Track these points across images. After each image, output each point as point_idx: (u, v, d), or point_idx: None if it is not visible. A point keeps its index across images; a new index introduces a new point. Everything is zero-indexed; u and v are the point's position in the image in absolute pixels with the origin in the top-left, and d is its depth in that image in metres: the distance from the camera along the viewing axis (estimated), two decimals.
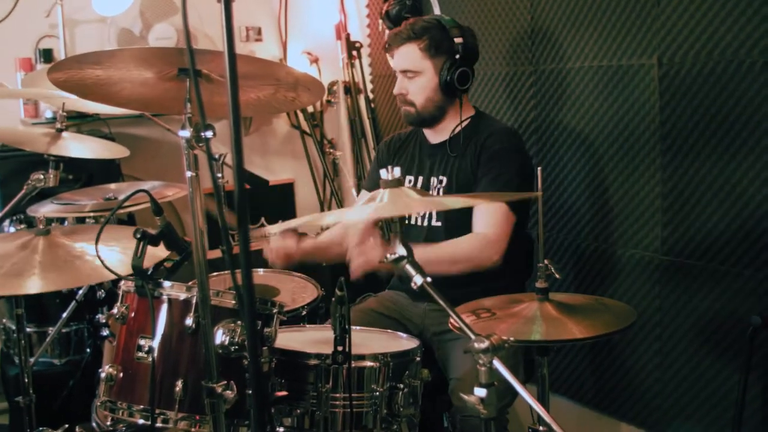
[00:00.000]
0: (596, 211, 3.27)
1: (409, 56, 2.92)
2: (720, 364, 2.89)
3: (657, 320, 3.06)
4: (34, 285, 2.10)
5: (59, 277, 2.16)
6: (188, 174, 1.83)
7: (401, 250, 1.88)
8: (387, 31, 4.22)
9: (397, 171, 1.96)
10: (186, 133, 1.81)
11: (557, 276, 2.19)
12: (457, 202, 2.02)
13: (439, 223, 2.93)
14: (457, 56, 2.89)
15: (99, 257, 2.03)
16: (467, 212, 2.69)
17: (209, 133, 1.72)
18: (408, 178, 3.04)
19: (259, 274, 3.17)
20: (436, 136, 3.04)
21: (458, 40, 2.90)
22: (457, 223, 2.87)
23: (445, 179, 2.95)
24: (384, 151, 3.21)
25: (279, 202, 4.76)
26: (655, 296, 3.07)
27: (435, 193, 2.94)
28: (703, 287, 2.90)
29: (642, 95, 3.01)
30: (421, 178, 3.01)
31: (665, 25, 2.88)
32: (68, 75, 1.96)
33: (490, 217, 2.79)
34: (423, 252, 2.66)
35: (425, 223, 2.95)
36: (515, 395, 2.59)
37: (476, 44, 3.00)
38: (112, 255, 2.22)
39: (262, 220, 4.24)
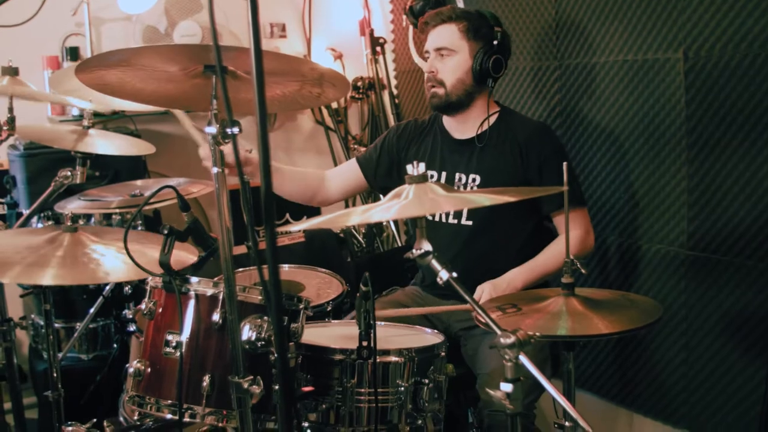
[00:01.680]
0: (622, 205, 3.26)
1: (446, 34, 2.90)
2: (747, 360, 2.87)
3: (683, 315, 3.05)
4: (48, 277, 2.12)
5: (72, 272, 2.17)
6: (214, 170, 1.84)
7: (426, 246, 1.88)
8: (411, 28, 4.23)
9: (422, 167, 1.96)
10: (212, 130, 1.82)
11: (583, 271, 2.18)
12: (485, 199, 2.01)
13: (469, 222, 2.91)
14: (495, 42, 2.88)
15: (128, 253, 2.04)
16: (497, 211, 2.69)
17: (236, 130, 1.73)
18: (430, 173, 3.00)
19: (285, 270, 3.18)
20: (460, 131, 3.00)
21: (497, 29, 2.91)
22: (488, 221, 2.87)
23: (478, 177, 2.91)
24: (394, 136, 3.15)
25: None
26: (681, 291, 3.05)
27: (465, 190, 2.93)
28: (729, 282, 2.88)
29: (668, 89, 2.99)
30: (444, 174, 2.98)
31: (691, 18, 2.86)
32: (94, 74, 1.98)
33: (579, 214, 2.88)
34: (532, 268, 2.82)
35: (455, 221, 2.94)
36: (542, 390, 2.59)
37: (510, 42, 2.99)
38: (116, 259, 2.24)
39: (287, 216, 4.25)
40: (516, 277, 2.78)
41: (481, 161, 2.92)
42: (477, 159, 2.93)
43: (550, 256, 2.84)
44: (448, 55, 2.90)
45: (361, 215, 2.09)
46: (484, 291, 2.71)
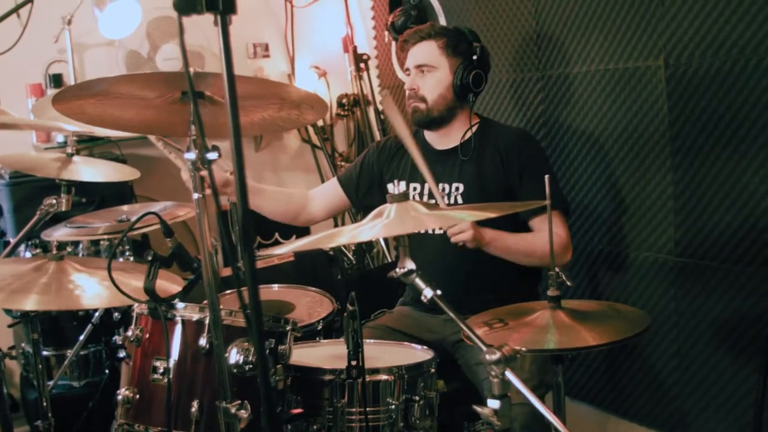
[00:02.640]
0: (608, 214, 3.26)
1: (426, 51, 2.93)
2: (738, 365, 2.87)
3: (673, 322, 3.05)
4: (31, 302, 2.14)
5: (56, 299, 2.20)
6: (195, 196, 1.84)
7: (410, 264, 1.88)
8: (394, 42, 4.24)
9: (402, 185, 1.96)
10: (191, 156, 1.82)
11: (569, 284, 2.18)
12: (467, 215, 2.01)
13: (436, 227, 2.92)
14: (474, 58, 2.91)
15: (112, 279, 2.03)
16: (482, 221, 2.69)
17: (213, 155, 1.73)
18: (412, 185, 3.00)
19: (274, 290, 3.18)
20: (442, 142, 3.02)
21: (476, 44, 2.93)
22: None
23: (461, 186, 2.93)
24: (374, 153, 3.16)
25: None
26: (671, 298, 3.05)
27: (451, 201, 2.93)
28: (718, 288, 2.89)
29: (650, 97, 3.00)
30: (427, 186, 2.98)
31: (670, 25, 2.87)
32: (72, 104, 1.98)
33: (556, 219, 2.83)
34: (504, 237, 2.76)
35: (441, 232, 2.94)
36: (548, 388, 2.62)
37: (489, 57, 3.01)
38: (101, 286, 2.24)
39: (276, 236, 4.25)
40: (486, 230, 2.76)
41: (464, 170, 2.94)
42: (459, 168, 2.95)
43: (524, 239, 2.83)
44: (428, 71, 2.93)
45: (348, 235, 2.09)
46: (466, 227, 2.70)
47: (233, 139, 1.31)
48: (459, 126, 2.99)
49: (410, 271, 1.88)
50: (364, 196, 3.12)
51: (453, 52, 2.92)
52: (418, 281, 1.87)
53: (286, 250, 2.86)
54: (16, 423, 3.01)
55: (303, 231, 4.04)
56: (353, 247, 4.54)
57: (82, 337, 3.21)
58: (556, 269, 2.15)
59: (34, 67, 4.00)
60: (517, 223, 2.90)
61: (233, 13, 1.33)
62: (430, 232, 2.95)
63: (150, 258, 2.04)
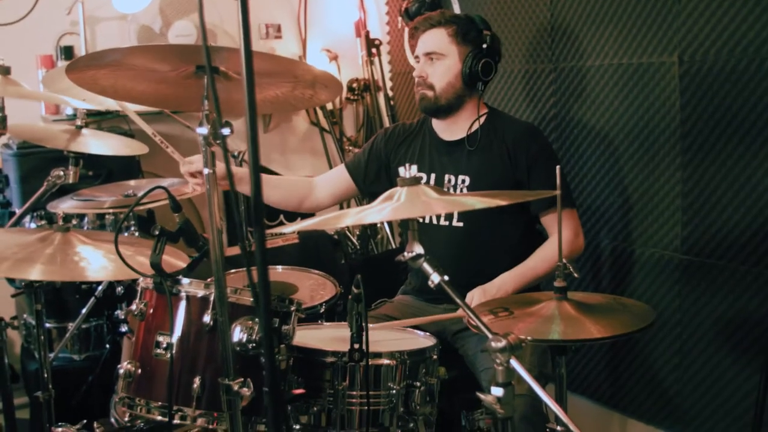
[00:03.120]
0: (616, 209, 3.26)
1: (436, 39, 2.91)
2: (740, 365, 2.87)
3: (677, 320, 3.05)
4: (36, 272, 2.14)
5: (61, 269, 2.19)
6: (206, 171, 1.83)
7: (418, 249, 1.88)
8: (407, 29, 4.22)
9: (414, 169, 1.95)
10: (204, 131, 1.81)
11: (576, 275, 2.17)
12: (477, 202, 2.00)
13: (460, 224, 2.90)
14: (484, 46, 2.89)
15: (118, 252, 2.03)
16: (489, 212, 2.69)
17: (226, 131, 1.73)
18: (420, 175, 2.99)
19: (278, 272, 3.17)
20: (449, 132, 3.00)
21: (486, 32, 2.91)
22: (479, 223, 2.86)
23: (468, 178, 2.91)
24: (382, 140, 3.14)
25: None
26: (675, 295, 3.05)
27: (456, 192, 2.92)
28: (723, 287, 2.88)
29: (663, 93, 2.99)
30: (433, 176, 2.96)
31: (686, 22, 2.86)
32: (85, 74, 1.97)
33: (568, 215, 2.85)
34: (525, 275, 2.80)
35: (446, 223, 2.93)
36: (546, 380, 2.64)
37: (500, 46, 2.99)
38: (106, 259, 2.24)
39: (281, 217, 4.24)
40: (506, 281, 2.77)
41: (470, 162, 2.92)
42: (466, 160, 2.93)
43: (540, 259, 2.83)
44: (437, 59, 2.91)
45: (355, 217, 2.09)
46: (474, 296, 2.70)
47: (248, 116, 1.30)
48: (466, 116, 2.97)
49: (418, 256, 1.87)
50: (372, 183, 3.11)
51: (463, 40, 2.90)
52: (426, 266, 1.86)
53: (295, 229, 2.86)
54: (15, 394, 3.01)
55: (308, 214, 4.03)
56: (357, 232, 4.54)
57: (84, 310, 3.20)
58: (564, 260, 2.14)
59: (45, 39, 4.00)
60: (528, 219, 2.90)
61: None
62: (435, 222, 2.95)
63: (157, 232, 2.03)
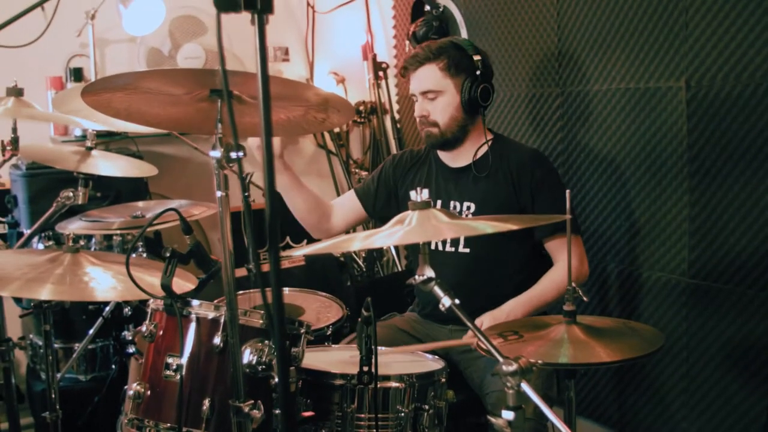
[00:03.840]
0: (623, 233, 3.26)
1: (429, 77, 2.89)
2: (748, 389, 2.86)
3: (684, 343, 3.04)
4: (46, 292, 2.14)
5: (70, 289, 2.19)
6: (218, 194, 1.84)
7: (429, 272, 1.88)
8: None
9: (425, 193, 1.95)
10: (217, 154, 1.82)
11: (585, 299, 2.17)
12: (487, 226, 2.00)
13: (467, 250, 2.90)
14: (478, 72, 2.87)
15: (129, 274, 2.04)
16: (495, 237, 2.69)
17: (240, 154, 1.74)
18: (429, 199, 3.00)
19: (285, 293, 3.17)
20: (455, 160, 3.00)
21: (476, 57, 2.89)
22: (485, 249, 2.87)
23: (473, 205, 2.91)
24: (390, 167, 3.15)
25: None
26: (682, 319, 3.05)
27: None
28: (731, 311, 2.88)
29: (670, 118, 3.00)
30: (439, 202, 2.97)
31: (693, 47, 2.87)
32: (100, 96, 1.98)
33: (575, 242, 2.83)
34: (532, 301, 2.80)
35: (452, 249, 2.94)
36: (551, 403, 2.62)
37: (491, 63, 2.98)
38: (115, 280, 2.25)
39: (287, 239, 4.25)
40: (515, 307, 2.78)
41: (475, 189, 2.92)
42: (472, 186, 2.93)
43: (547, 285, 2.83)
44: (435, 96, 2.89)
45: (363, 241, 2.09)
46: (484, 322, 2.70)
47: (264, 138, 1.31)
48: (471, 142, 2.96)
49: (429, 279, 1.87)
50: (381, 209, 3.12)
51: (456, 72, 2.88)
52: (437, 289, 1.87)
53: (305, 252, 2.85)
54: (20, 414, 3.00)
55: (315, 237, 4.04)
56: (363, 254, 4.55)
57: (91, 331, 3.20)
58: (573, 284, 2.14)
59: (55, 60, 4.03)
60: (534, 245, 2.90)
61: (270, 13, 1.33)
62: (441, 248, 2.95)
63: (168, 254, 2.04)
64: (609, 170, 3.28)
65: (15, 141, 2.84)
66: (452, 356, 2.92)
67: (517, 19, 3.64)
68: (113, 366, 3.51)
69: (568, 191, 2.19)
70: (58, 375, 2.93)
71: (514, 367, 1.70)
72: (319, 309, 3.08)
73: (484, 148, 2.95)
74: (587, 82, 3.32)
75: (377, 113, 4.79)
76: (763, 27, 2.65)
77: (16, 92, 2.81)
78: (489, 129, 3.00)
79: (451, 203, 2.95)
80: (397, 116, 4.74)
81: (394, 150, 4.72)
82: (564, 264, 2.79)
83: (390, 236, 1.94)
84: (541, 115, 3.58)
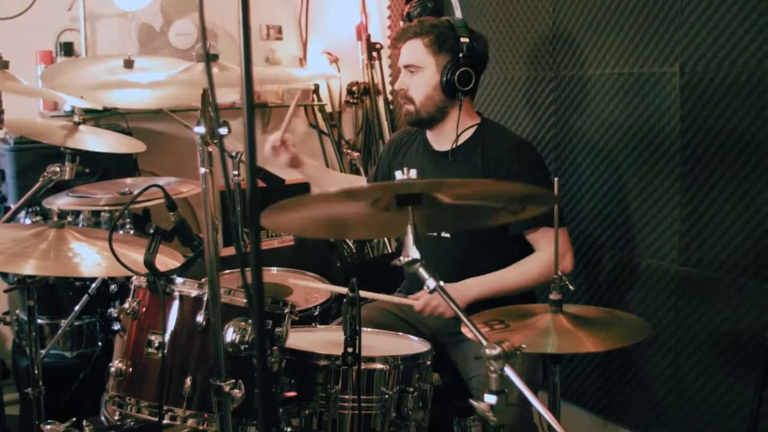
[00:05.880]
0: (614, 219, 3.25)
1: (413, 51, 2.86)
2: (735, 377, 2.86)
3: (672, 331, 3.04)
4: (29, 267, 2.13)
5: (54, 265, 2.18)
6: (202, 170, 1.82)
7: (414, 253, 1.86)
8: None
9: (413, 173, 1.93)
10: (201, 130, 1.80)
11: (571, 288, 2.17)
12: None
13: (448, 235, 2.88)
14: (461, 55, 2.81)
15: (112, 250, 2.01)
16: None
17: (224, 131, 1.72)
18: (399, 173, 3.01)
19: (272, 273, 3.17)
20: (438, 142, 2.95)
21: (464, 39, 2.82)
22: (466, 234, 2.83)
23: None
24: (386, 152, 3.18)
25: None
26: (671, 307, 3.04)
27: None
28: (720, 299, 2.87)
29: (663, 104, 2.98)
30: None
31: (688, 33, 2.85)
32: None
33: (547, 236, 2.74)
34: (490, 284, 2.77)
35: (434, 234, 2.90)
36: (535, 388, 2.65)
37: (485, 50, 2.89)
38: (100, 256, 2.23)
39: None
40: (470, 286, 2.75)
41: (452, 174, 2.86)
42: (449, 171, 2.88)
43: (513, 273, 2.79)
44: (416, 71, 2.86)
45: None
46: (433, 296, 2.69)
47: (246, 116, 1.29)
48: (453, 125, 2.89)
49: (414, 260, 1.85)
50: None
51: (439, 50, 2.82)
52: (422, 271, 1.84)
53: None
54: (5, 390, 2.99)
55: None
56: None
57: (77, 308, 3.19)
58: (559, 273, 2.13)
59: (45, 34, 3.99)
60: (508, 238, 2.85)
61: None
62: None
63: (152, 231, 2.02)
64: (601, 155, 3.26)
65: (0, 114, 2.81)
66: (439, 339, 2.91)
67: (512, 1, 3.61)
68: (99, 343, 3.49)
69: (556, 180, 2.17)
70: (43, 351, 2.92)
71: (497, 351, 1.68)
72: (307, 289, 3.07)
73: (468, 133, 2.90)
74: (581, 66, 3.30)
75: (370, 94, 4.76)
76: (759, 13, 2.63)
77: (2, 65, 2.77)
78: (479, 113, 2.96)
79: None
80: (390, 97, 4.72)
81: (386, 131, 4.70)
82: (539, 255, 2.77)
83: None
84: (535, 99, 3.56)
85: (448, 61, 2.82)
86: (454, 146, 2.89)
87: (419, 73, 2.85)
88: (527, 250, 2.83)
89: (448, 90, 2.83)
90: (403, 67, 2.91)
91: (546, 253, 2.73)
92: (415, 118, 2.91)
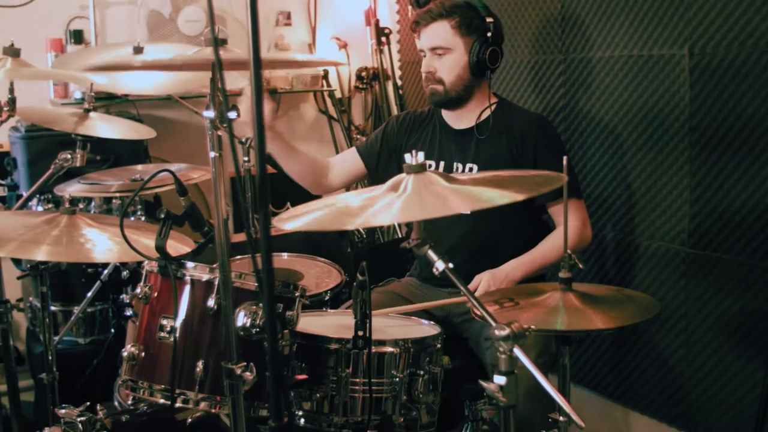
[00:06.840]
0: (623, 202, 3.25)
1: (439, 33, 2.89)
2: (745, 359, 2.86)
3: (682, 313, 3.04)
4: (42, 253, 2.14)
5: (66, 250, 2.20)
6: (211, 154, 1.82)
7: (423, 236, 1.87)
8: None
9: (421, 156, 1.92)
10: (210, 114, 1.80)
11: (581, 266, 2.16)
12: (495, 195, 1.95)
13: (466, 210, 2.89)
14: (489, 34, 2.87)
15: (123, 235, 2.03)
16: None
17: (233, 114, 1.72)
18: (428, 162, 2.98)
19: (283, 259, 3.18)
20: (458, 121, 3.01)
21: (489, 19, 2.89)
22: (485, 210, 2.84)
23: (475, 167, 2.92)
24: (394, 126, 3.16)
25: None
26: (681, 289, 3.04)
27: None
28: (729, 281, 2.87)
29: (672, 86, 2.97)
30: (442, 163, 2.98)
31: (697, 14, 2.84)
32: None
33: (576, 206, 2.88)
34: (534, 261, 2.85)
35: None
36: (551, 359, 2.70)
37: (502, 28, 2.98)
38: (111, 242, 2.24)
39: (288, 204, 4.24)
40: (515, 268, 2.80)
41: (479, 151, 2.93)
42: (474, 149, 2.94)
43: (549, 247, 2.85)
44: (443, 53, 2.90)
45: (363, 217, 1.99)
46: (482, 280, 2.72)
47: (255, 102, 1.30)
48: (475, 105, 2.97)
49: (423, 242, 1.86)
50: (383, 168, 3.12)
51: (467, 31, 2.88)
52: (431, 253, 1.85)
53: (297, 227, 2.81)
54: (20, 376, 3.01)
55: (315, 200, 4.02)
56: None
57: (90, 294, 3.21)
58: (569, 251, 2.13)
59: (55, 22, 4.01)
60: (535, 207, 2.89)
61: None
62: None
63: (162, 216, 2.04)
64: (611, 138, 3.26)
65: (12, 102, 2.83)
66: (452, 321, 2.92)
67: None
68: (112, 329, 3.52)
69: (566, 157, 2.17)
70: (56, 338, 2.95)
71: (506, 331, 1.69)
72: (318, 274, 3.09)
73: (488, 112, 2.95)
74: (590, 49, 3.29)
75: (379, 79, 4.76)
76: None
77: (13, 52, 2.79)
78: (494, 93, 3.00)
79: (454, 164, 2.96)
80: (399, 82, 4.71)
81: None
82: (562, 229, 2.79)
83: (388, 210, 1.85)
84: (543, 82, 3.55)
85: (475, 41, 2.88)
86: (478, 122, 2.95)
87: (448, 55, 2.90)
88: (544, 229, 2.88)
89: (477, 69, 2.89)
90: (428, 50, 2.93)
91: (572, 223, 2.77)
92: (443, 98, 2.94)
